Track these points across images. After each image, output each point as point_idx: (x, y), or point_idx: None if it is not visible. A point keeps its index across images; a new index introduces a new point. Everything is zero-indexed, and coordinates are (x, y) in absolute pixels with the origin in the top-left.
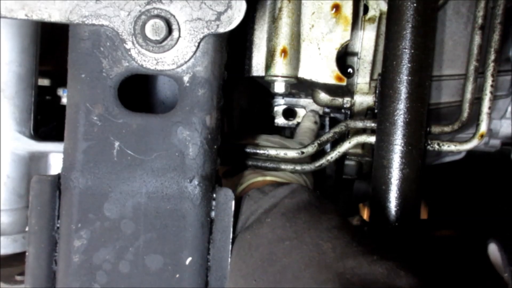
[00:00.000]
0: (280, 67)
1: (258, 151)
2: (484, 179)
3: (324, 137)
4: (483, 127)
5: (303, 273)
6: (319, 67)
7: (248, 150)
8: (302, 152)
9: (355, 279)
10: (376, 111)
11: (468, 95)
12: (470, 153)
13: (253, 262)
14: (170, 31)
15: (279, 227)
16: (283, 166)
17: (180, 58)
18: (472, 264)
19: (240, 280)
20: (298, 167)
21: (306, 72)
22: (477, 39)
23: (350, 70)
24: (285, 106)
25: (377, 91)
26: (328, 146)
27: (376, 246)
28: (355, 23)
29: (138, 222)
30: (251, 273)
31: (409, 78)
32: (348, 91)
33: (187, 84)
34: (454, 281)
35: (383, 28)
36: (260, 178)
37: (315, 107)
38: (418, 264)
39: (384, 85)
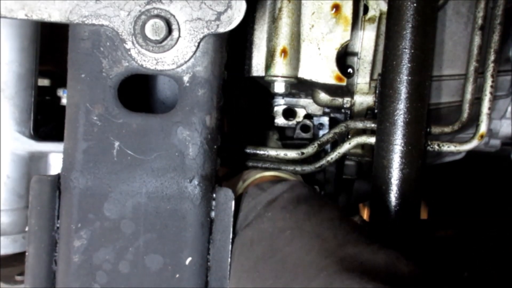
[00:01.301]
0: (280, 67)
1: (258, 151)
2: (484, 179)
3: (324, 138)
4: (483, 128)
5: (304, 260)
6: (319, 67)
7: (248, 151)
8: (302, 153)
9: (357, 265)
10: (376, 111)
11: (468, 96)
12: (470, 153)
13: (255, 256)
14: (170, 31)
15: (280, 220)
16: (283, 167)
17: (180, 58)
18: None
19: (243, 275)
20: (298, 168)
21: (306, 72)
22: (477, 40)
23: (350, 70)
24: (285, 106)
25: (377, 91)
26: (328, 146)
27: (377, 236)
28: (355, 23)
29: (138, 222)
30: (253, 267)
31: (409, 78)
32: (348, 91)
33: (187, 84)
34: (454, 272)
35: (383, 28)
36: (258, 176)
37: (315, 107)
38: (419, 256)
39: (384, 85)
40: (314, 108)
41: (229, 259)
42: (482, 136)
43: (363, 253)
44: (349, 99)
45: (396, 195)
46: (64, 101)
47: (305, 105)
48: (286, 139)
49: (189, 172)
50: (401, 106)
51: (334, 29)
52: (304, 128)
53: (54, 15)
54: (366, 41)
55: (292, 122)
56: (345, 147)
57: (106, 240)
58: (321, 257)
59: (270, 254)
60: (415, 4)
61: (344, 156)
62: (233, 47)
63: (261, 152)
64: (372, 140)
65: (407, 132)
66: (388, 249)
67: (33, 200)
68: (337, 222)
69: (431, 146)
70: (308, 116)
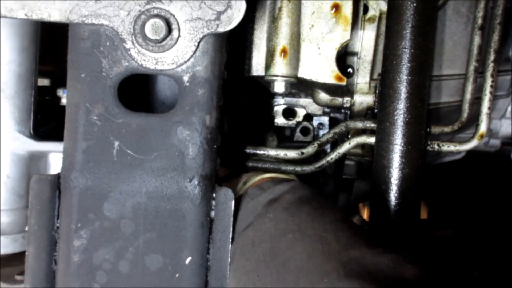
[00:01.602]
0: (280, 67)
1: (258, 151)
2: (484, 179)
3: (324, 138)
4: (482, 128)
5: (306, 264)
6: (319, 67)
7: (248, 151)
8: (302, 153)
9: (360, 269)
10: (376, 111)
11: (468, 96)
12: (470, 153)
13: (256, 258)
14: (169, 30)
15: (282, 221)
16: (283, 167)
17: (180, 58)
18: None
19: (243, 277)
20: (298, 168)
21: (306, 72)
22: (477, 40)
23: (350, 70)
24: (285, 106)
25: (377, 91)
26: (328, 146)
27: (380, 239)
28: (355, 23)
29: (138, 222)
30: (254, 269)
31: (409, 78)
32: (348, 91)
33: (187, 84)
34: (459, 274)
35: (383, 28)
36: (258, 177)
37: (315, 107)
38: (422, 258)
39: (384, 85)
40: (314, 108)
41: (229, 259)
42: (482, 136)
43: (366, 256)
44: (349, 98)
45: (396, 195)
46: (64, 101)
47: (305, 105)
48: (286, 139)
49: (189, 172)
50: (401, 106)
51: (334, 29)
52: (304, 131)
53: (54, 15)
54: (366, 41)
55: (292, 122)
56: (345, 147)
57: (106, 240)
58: (324, 262)
59: (271, 257)
60: (415, 4)
61: (344, 156)
62: (233, 47)
63: (261, 152)
64: (372, 140)
65: (407, 132)
66: (392, 253)
67: (33, 200)
68: (340, 224)
69: (431, 146)
70: (308, 116)
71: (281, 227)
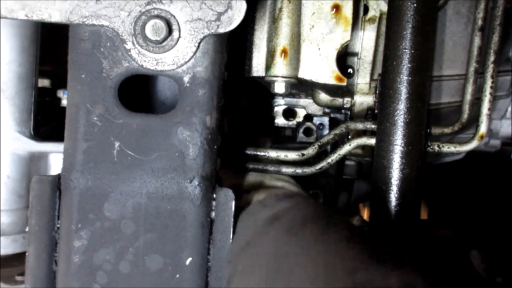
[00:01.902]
0: (280, 68)
1: (258, 153)
2: (484, 179)
3: (325, 139)
4: (483, 128)
5: None
6: (319, 67)
7: (248, 152)
8: (303, 154)
9: None
10: (376, 111)
11: (468, 96)
12: (470, 153)
13: (256, 281)
14: (170, 31)
15: (284, 244)
16: (284, 169)
17: (180, 59)
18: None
19: None
20: (299, 170)
21: (306, 73)
22: (477, 41)
23: (350, 70)
24: (285, 106)
25: (377, 92)
26: (328, 147)
27: (387, 252)
28: (355, 23)
29: (138, 223)
30: None
31: (409, 78)
32: (348, 91)
33: (187, 85)
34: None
35: (383, 28)
36: (262, 195)
37: (315, 107)
38: (431, 270)
39: (384, 85)
40: (314, 108)
41: (229, 259)
42: (482, 137)
43: (375, 279)
44: (349, 99)
45: (396, 195)
46: (64, 102)
47: (305, 105)
48: (286, 139)
49: (189, 173)
50: (401, 107)
51: (334, 29)
52: (307, 131)
53: (55, 16)
54: (366, 41)
55: (292, 123)
56: (345, 148)
57: (106, 240)
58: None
59: (272, 282)
60: (415, 4)
61: (344, 157)
62: (233, 47)
63: (262, 153)
64: (372, 141)
65: (407, 132)
66: (401, 268)
67: (34, 200)
68: (345, 243)
69: (431, 147)
70: (308, 117)
71: (284, 249)
